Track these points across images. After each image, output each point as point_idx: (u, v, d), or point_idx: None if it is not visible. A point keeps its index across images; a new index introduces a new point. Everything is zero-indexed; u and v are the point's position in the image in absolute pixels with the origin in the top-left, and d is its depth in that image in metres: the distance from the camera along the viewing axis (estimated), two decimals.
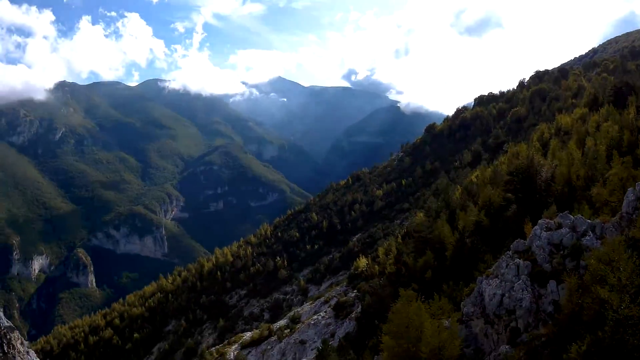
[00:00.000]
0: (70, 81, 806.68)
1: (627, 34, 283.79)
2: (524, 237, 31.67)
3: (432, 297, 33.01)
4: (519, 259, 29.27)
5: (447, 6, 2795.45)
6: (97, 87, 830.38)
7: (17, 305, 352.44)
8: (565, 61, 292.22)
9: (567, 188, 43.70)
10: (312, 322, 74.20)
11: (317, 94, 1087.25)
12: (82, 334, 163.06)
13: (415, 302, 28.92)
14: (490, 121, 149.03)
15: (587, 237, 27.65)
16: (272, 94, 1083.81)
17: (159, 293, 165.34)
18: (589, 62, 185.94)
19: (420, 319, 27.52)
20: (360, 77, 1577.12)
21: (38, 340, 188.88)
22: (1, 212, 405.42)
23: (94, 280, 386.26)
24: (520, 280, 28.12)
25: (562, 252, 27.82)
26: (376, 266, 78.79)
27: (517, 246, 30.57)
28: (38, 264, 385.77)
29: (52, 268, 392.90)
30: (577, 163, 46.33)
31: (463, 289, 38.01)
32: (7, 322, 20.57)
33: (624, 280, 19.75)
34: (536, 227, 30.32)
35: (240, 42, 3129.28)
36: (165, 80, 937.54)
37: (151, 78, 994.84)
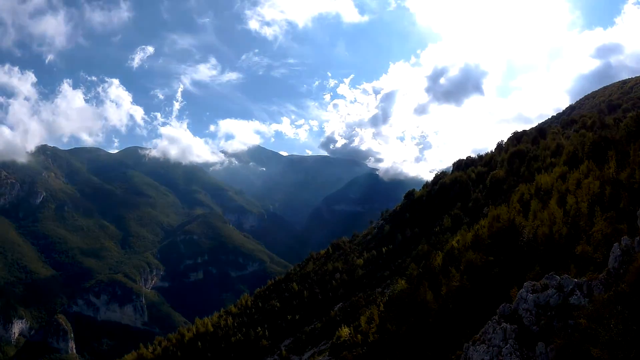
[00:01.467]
0: (52, 145, 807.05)
1: (604, 88, 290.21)
2: (509, 300, 31.38)
3: None
4: (506, 322, 28.95)
5: (424, 72, 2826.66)
6: (78, 152, 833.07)
7: None
8: (543, 120, 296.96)
9: (550, 248, 43.54)
10: None
11: (296, 162, 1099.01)
12: None
13: None
14: (469, 185, 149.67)
15: (575, 296, 27.45)
16: (251, 163, 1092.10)
17: None
18: (566, 119, 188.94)
19: None
20: (338, 145, 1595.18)
21: None
22: None
23: (74, 347, 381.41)
24: (508, 345, 27.72)
25: (549, 313, 27.53)
26: (359, 335, 77.87)
27: (504, 310, 30.27)
28: (18, 327, 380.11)
29: (32, 332, 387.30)
30: (559, 222, 46.27)
31: (449, 355, 37.46)
32: None
33: (615, 338, 19.45)
34: (522, 289, 30.08)
35: (219, 110, 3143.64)
36: (145, 148, 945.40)
37: (131, 145, 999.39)
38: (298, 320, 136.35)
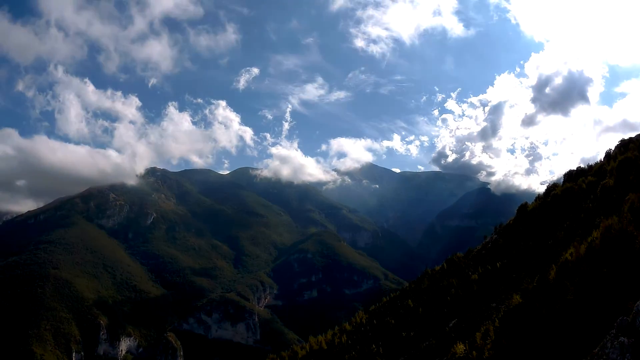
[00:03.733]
0: (161, 167, 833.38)
1: None
2: (626, 313, 30.08)
3: None
4: (623, 336, 27.67)
5: (529, 82, 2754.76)
6: (188, 174, 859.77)
7: None
8: None
9: None
10: None
11: (409, 179, 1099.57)
12: None
13: None
14: (580, 196, 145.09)
15: None
16: (364, 180, 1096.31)
17: None
18: None
19: None
20: (449, 159, 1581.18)
21: None
22: (90, 293, 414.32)
23: None
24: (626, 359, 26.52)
25: None
26: (474, 351, 76.37)
27: (621, 323, 28.99)
28: (125, 345, 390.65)
29: (140, 350, 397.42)
30: None
31: None
32: None
33: None
34: (639, 302, 28.75)
35: (329, 129, 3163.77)
36: (256, 169, 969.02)
37: (242, 166, 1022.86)
38: (413, 337, 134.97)
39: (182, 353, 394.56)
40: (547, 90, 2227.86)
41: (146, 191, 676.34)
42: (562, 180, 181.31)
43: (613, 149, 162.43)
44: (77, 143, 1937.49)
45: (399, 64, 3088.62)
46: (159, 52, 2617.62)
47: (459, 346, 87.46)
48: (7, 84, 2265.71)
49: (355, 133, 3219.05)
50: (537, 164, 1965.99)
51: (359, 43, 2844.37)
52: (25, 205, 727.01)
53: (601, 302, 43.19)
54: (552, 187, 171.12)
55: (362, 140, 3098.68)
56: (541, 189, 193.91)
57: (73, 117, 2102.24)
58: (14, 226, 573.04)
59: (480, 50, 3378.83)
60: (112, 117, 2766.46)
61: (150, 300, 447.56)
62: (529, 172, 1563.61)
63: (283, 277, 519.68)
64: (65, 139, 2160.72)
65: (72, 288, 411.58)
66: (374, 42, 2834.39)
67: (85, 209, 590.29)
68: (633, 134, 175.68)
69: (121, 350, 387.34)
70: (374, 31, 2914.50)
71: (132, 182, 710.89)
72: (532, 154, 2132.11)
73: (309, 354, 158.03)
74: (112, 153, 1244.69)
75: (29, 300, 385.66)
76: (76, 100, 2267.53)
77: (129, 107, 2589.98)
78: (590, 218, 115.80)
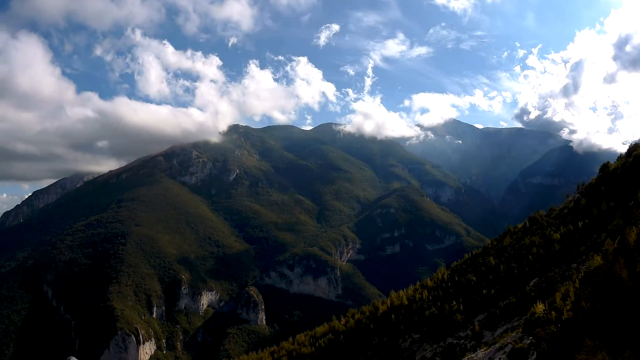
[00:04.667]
0: (244, 124, 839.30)
1: None
2: None
3: (609, 343, 31.70)
4: None
5: (610, 40, 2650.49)
6: (271, 130, 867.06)
7: (181, 337, 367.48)
8: None
9: None
10: None
11: (491, 135, 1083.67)
12: None
13: (599, 353, 27.92)
14: None
15: None
16: (447, 136, 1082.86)
17: (330, 334, 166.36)
18: None
19: None
20: (532, 116, 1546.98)
21: None
22: (173, 248, 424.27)
23: (264, 318, 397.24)
24: None
25: None
26: (553, 312, 76.13)
27: None
28: (207, 299, 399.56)
29: (221, 304, 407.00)
30: None
31: None
32: None
33: None
34: None
35: (411, 85, 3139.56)
36: (339, 124, 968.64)
37: (325, 122, 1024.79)
38: (493, 295, 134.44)
39: (263, 307, 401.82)
40: (628, 48, 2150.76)
41: (229, 148, 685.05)
42: None
43: None
44: (159, 103, 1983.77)
45: (480, 19, 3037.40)
46: (239, 11, 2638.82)
47: (538, 306, 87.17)
48: (86, 49, 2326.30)
49: (437, 89, 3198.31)
50: (618, 123, 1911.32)
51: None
52: (107, 166, 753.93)
53: None
54: (634, 148, 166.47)
55: (445, 95, 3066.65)
56: (623, 149, 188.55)
57: (153, 78, 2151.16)
58: (95, 186, 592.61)
59: (560, 6, 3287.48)
60: (193, 77, 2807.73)
61: (233, 255, 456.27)
62: (610, 130, 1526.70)
63: (366, 232, 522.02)
64: (146, 99, 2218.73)
65: (154, 245, 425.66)
66: None
67: (168, 166, 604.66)
68: None
69: (202, 304, 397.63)
70: None
71: (214, 139, 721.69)
72: (614, 112, 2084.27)
73: (390, 309, 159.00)
74: (194, 111, 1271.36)
75: (110, 257, 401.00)
76: (156, 62, 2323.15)
77: (209, 67, 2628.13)
78: None
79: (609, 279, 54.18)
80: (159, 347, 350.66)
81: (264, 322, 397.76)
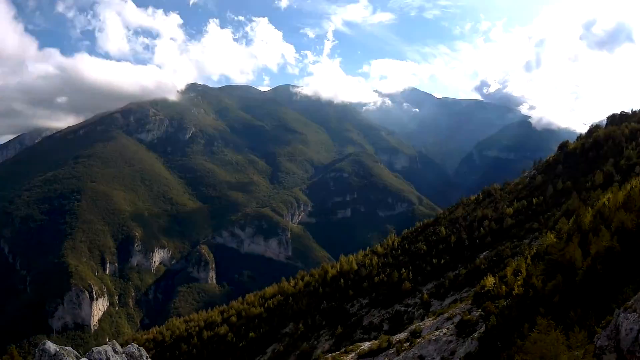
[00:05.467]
0: (202, 83, 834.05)
1: None
2: None
3: (560, 323, 31.83)
4: None
5: (577, 18, 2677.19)
6: (229, 90, 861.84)
7: (133, 294, 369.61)
8: None
9: None
10: (433, 338, 72.99)
11: (449, 105, 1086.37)
12: (197, 327, 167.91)
13: (553, 332, 27.93)
14: (622, 141, 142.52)
15: None
16: (404, 104, 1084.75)
17: (279, 295, 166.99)
18: None
19: (556, 350, 26.52)
20: (492, 89, 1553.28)
21: (150, 330, 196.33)
22: (127, 205, 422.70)
23: (214, 277, 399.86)
24: None
25: None
26: (503, 286, 76.85)
27: None
28: (159, 256, 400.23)
29: (173, 262, 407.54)
30: None
31: (592, 318, 36.41)
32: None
33: None
34: None
35: (371, 51, 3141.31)
36: (297, 86, 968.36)
37: (282, 84, 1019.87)
38: (442, 265, 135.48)
39: (214, 266, 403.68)
40: (595, 28, 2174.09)
41: (186, 106, 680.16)
42: (604, 122, 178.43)
43: None
44: (119, 60, 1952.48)
45: None
46: None
47: (488, 279, 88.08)
48: (49, 5, 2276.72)
49: (397, 56, 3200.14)
50: (578, 102, 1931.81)
51: None
52: (65, 122, 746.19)
53: (637, 253, 43.04)
54: (594, 129, 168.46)
55: (405, 62, 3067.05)
56: (582, 129, 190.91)
57: (114, 35, 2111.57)
58: (53, 142, 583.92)
59: None
60: (153, 35, 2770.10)
61: (186, 213, 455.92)
62: (571, 109, 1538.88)
63: (318, 195, 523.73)
64: (107, 56, 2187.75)
65: (109, 201, 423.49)
66: None
67: (125, 123, 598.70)
68: None
69: (154, 261, 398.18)
70: None
71: (172, 97, 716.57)
72: (575, 91, 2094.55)
73: (339, 274, 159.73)
74: (153, 69, 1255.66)
75: (66, 213, 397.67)
76: (117, 19, 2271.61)
77: (170, 25, 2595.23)
78: (631, 165, 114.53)
79: (562, 259, 54.55)
80: (111, 304, 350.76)
81: (214, 281, 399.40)
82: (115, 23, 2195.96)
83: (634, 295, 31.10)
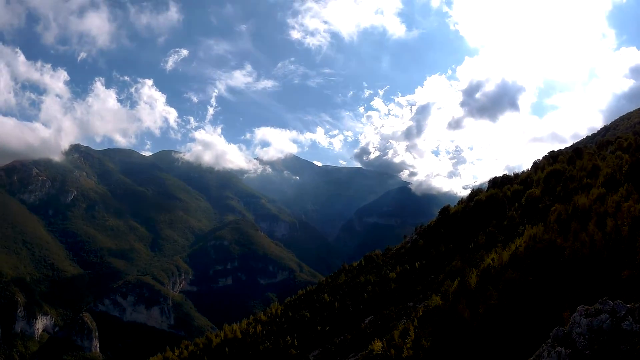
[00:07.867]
0: (85, 144, 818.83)
1: (639, 109, 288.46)
2: (555, 323, 30.93)
3: None
4: (560, 346, 28.47)
5: (460, 86, 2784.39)
6: (111, 153, 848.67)
7: None
8: (578, 140, 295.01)
9: (591, 270, 42.82)
10: None
11: (330, 173, 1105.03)
12: None
13: None
14: (505, 203, 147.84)
15: (627, 322, 26.96)
16: (285, 172, 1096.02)
17: None
18: (602, 140, 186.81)
19: None
20: (372, 156, 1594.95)
21: None
22: (8, 269, 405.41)
23: (98, 346, 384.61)
24: None
25: (602, 338, 27.08)
26: (392, 350, 77.22)
27: (557, 333, 29.82)
28: (42, 323, 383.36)
29: (56, 329, 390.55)
30: (599, 244, 45.54)
31: None
32: None
33: None
34: (575, 313, 29.65)
35: (253, 117, 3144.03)
36: (179, 152, 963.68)
37: (165, 149, 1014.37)
38: (328, 331, 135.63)
39: (97, 334, 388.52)
40: (478, 95, 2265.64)
41: (68, 168, 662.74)
42: (486, 186, 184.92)
43: (541, 159, 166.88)
44: (5, 114, 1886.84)
45: (334, 58, 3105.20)
46: (97, 25, 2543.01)
47: (376, 343, 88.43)
48: None
49: (280, 123, 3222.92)
50: (460, 168, 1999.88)
51: (296, 35, 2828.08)
52: None
53: (526, 310, 44.17)
54: (476, 192, 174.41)
55: (287, 131, 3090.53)
56: (463, 193, 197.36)
57: (1, 87, 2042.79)
58: None
59: (417, 52, 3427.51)
60: (40, 90, 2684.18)
61: (67, 279, 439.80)
62: (451, 175, 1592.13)
63: (199, 263, 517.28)
64: None
65: None
66: (312, 34, 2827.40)
67: (9, 182, 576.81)
68: (562, 147, 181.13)
69: (38, 328, 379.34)
70: (312, 24, 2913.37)
71: (56, 157, 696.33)
72: (457, 157, 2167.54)
73: (223, 342, 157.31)
74: (39, 127, 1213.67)
75: None
76: (5, 70, 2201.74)
77: (56, 81, 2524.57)
78: (514, 226, 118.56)
79: (451, 319, 55.36)
80: None
81: (98, 349, 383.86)
82: (3, 74, 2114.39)
83: (535, 351, 31.78)
